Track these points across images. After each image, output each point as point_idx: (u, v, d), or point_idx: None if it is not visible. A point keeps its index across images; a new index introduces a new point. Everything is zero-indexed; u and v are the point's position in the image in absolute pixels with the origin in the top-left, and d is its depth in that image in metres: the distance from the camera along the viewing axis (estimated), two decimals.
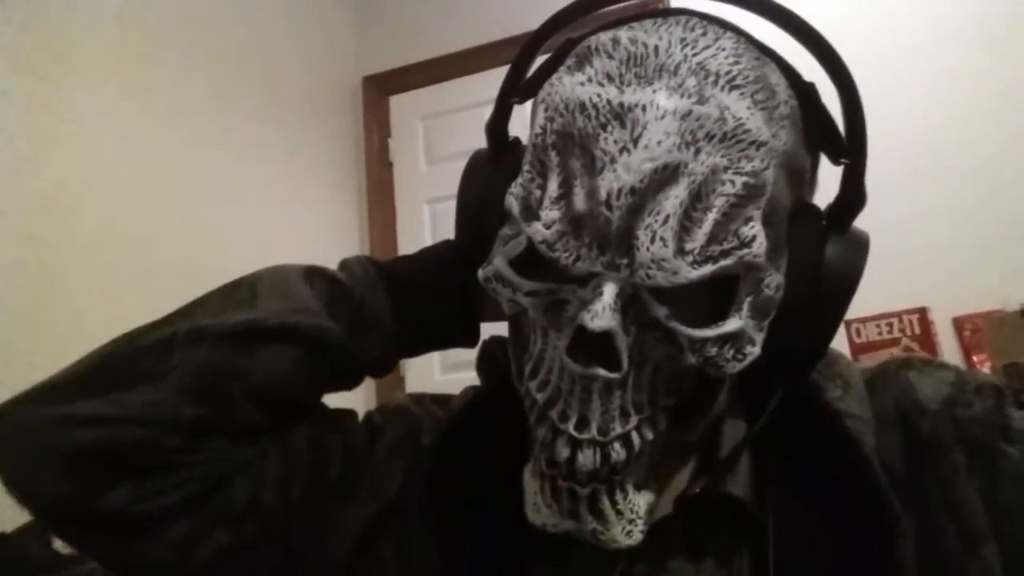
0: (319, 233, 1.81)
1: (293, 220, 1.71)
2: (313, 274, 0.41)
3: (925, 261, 1.50)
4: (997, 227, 1.47)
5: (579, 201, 0.29)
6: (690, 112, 0.28)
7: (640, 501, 0.32)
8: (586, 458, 0.30)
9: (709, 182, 0.28)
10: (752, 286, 0.31)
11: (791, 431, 0.36)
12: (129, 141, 1.26)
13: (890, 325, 1.50)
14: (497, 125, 0.39)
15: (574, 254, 0.29)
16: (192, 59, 1.45)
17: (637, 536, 0.32)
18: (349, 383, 0.43)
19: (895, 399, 0.37)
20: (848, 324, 1.53)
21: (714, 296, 0.31)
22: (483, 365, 0.45)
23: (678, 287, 0.28)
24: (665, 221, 0.28)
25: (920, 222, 1.52)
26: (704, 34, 0.31)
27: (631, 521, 0.31)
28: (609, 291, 0.28)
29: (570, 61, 0.33)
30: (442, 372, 1.84)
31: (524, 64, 0.37)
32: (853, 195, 0.34)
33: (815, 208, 0.35)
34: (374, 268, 0.42)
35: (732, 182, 0.28)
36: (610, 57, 0.31)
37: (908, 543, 0.32)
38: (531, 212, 0.31)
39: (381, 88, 2.09)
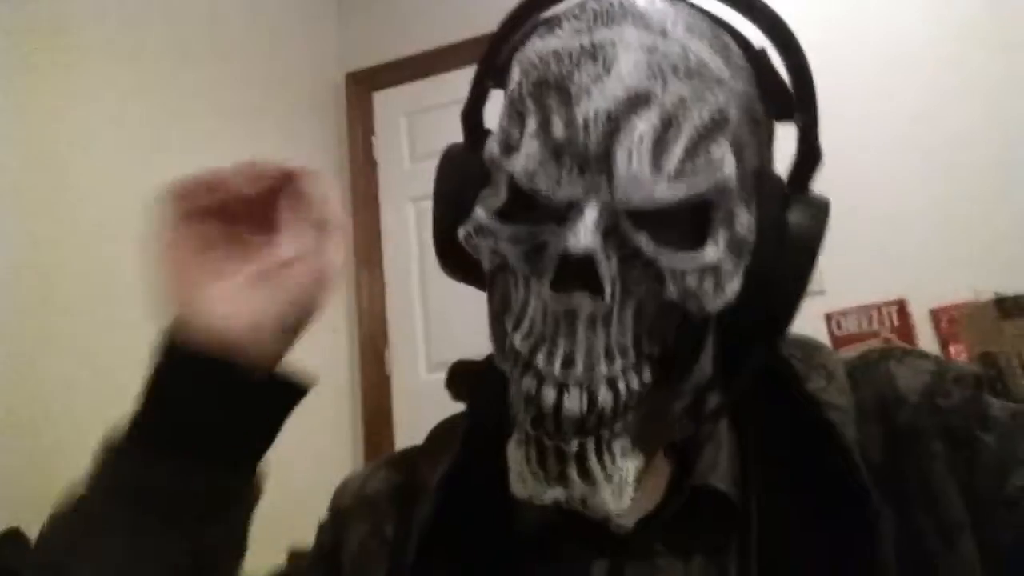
0: None
1: None
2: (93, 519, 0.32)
3: (903, 254, 1.53)
4: (973, 221, 1.50)
5: (557, 130, 0.30)
6: (656, 47, 0.30)
7: (628, 466, 0.32)
8: (572, 402, 0.30)
9: (677, 111, 0.30)
10: (726, 218, 0.32)
11: (774, 422, 0.36)
12: (129, 141, 1.25)
13: (870, 317, 1.53)
14: (473, 112, 0.39)
15: (555, 180, 0.30)
16: (175, 57, 1.43)
17: (626, 501, 0.31)
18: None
19: (876, 390, 0.37)
20: (829, 316, 1.55)
21: (690, 227, 0.31)
22: (457, 382, 0.44)
23: (656, 209, 0.30)
24: (640, 142, 0.29)
25: (899, 217, 1.55)
26: None
27: (620, 486, 0.31)
28: (590, 213, 0.29)
29: (540, 29, 0.35)
30: (428, 371, 1.84)
31: (499, 45, 0.37)
32: (809, 153, 0.35)
33: (777, 175, 0.37)
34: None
35: (698, 113, 0.30)
36: (577, 18, 0.33)
37: (888, 536, 0.32)
38: (511, 149, 0.32)
39: (364, 85, 2.08)
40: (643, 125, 0.29)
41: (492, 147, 0.33)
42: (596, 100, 0.30)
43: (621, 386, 0.31)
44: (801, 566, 0.33)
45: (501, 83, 0.37)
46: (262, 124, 1.70)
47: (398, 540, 0.39)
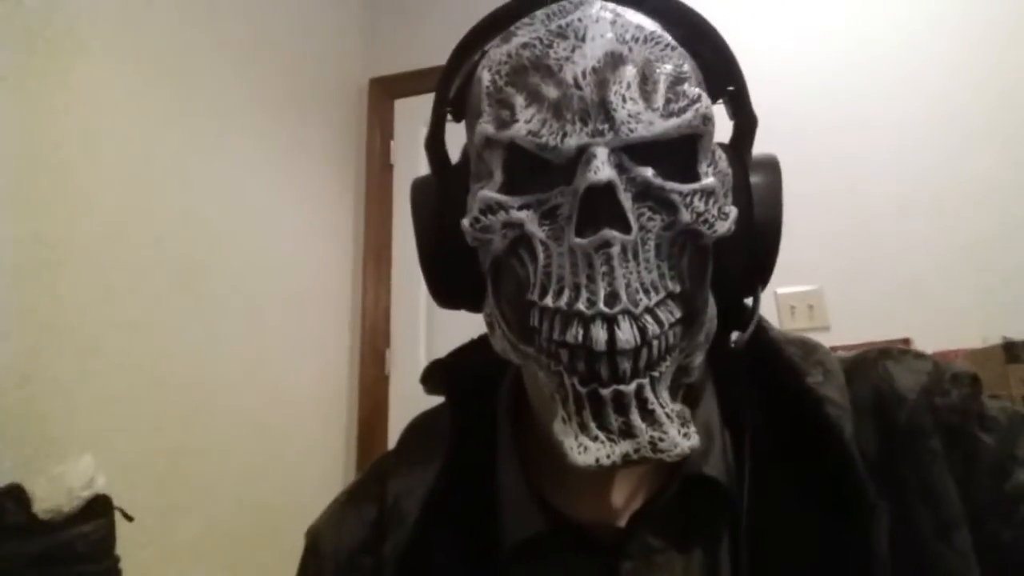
0: (315, 231, 1.82)
1: (291, 218, 1.71)
2: None
3: (911, 295, 1.53)
4: (982, 264, 1.50)
5: (551, 92, 0.32)
6: (616, 19, 0.34)
7: (681, 407, 0.32)
8: (625, 333, 0.30)
9: (648, 68, 0.33)
10: (709, 151, 0.34)
11: (769, 415, 0.36)
12: (132, 140, 1.25)
13: None
14: (434, 141, 0.41)
15: (560, 132, 0.32)
16: (198, 56, 1.45)
17: (695, 439, 0.31)
18: None
19: (873, 387, 0.37)
20: (833, 351, 1.54)
21: (683, 162, 0.33)
22: (435, 378, 0.44)
23: (655, 144, 0.32)
24: (628, 87, 0.32)
25: (908, 256, 1.55)
26: None
27: (683, 423, 0.31)
28: (601, 152, 0.31)
29: (496, 42, 0.37)
30: None
31: (451, 76, 0.39)
32: (745, 118, 0.38)
33: (724, 143, 0.39)
34: None
35: (665, 69, 0.33)
36: (531, 23, 0.35)
37: (882, 530, 0.32)
38: (506, 123, 0.33)
39: (387, 91, 2.11)
40: (627, 73, 0.32)
41: (483, 128, 0.34)
42: (580, 63, 0.32)
43: (664, 317, 0.31)
44: (795, 557, 0.33)
45: (458, 115, 0.39)
46: (286, 123, 1.72)
47: (375, 573, 0.39)
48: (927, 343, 1.48)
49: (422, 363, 1.82)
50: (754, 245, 0.36)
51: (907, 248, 1.55)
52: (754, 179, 0.37)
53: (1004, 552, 0.32)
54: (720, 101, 0.39)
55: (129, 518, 0.96)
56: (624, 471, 0.36)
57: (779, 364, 0.38)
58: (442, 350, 0.45)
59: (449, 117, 0.40)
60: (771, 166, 0.38)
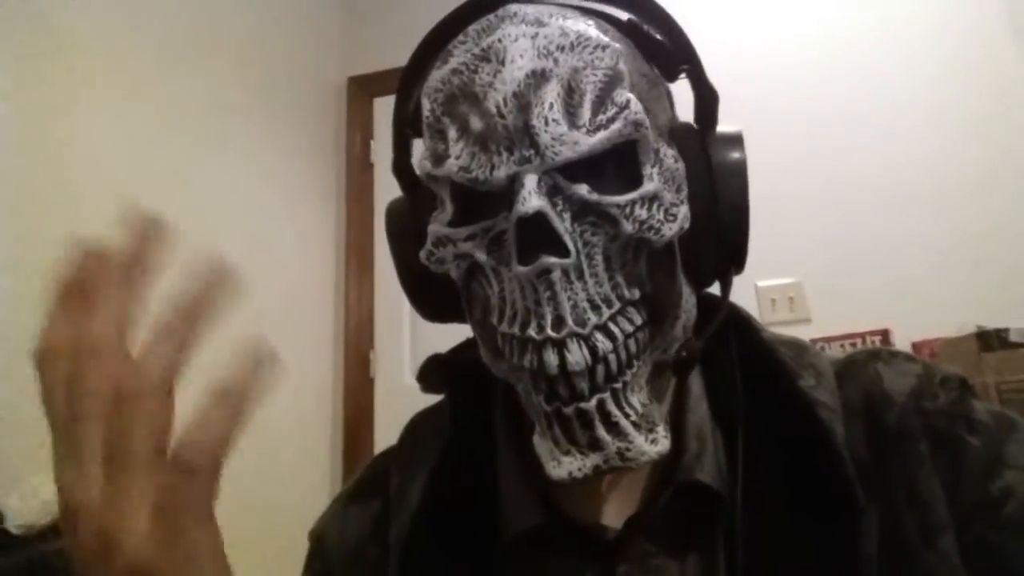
0: (296, 231, 1.79)
1: (271, 219, 1.69)
2: None
3: (890, 286, 1.56)
4: (958, 256, 1.53)
5: (476, 124, 0.32)
6: (536, 33, 0.33)
7: (652, 411, 0.32)
8: (575, 355, 0.30)
9: (574, 79, 0.32)
10: (650, 152, 0.34)
11: (762, 418, 0.36)
12: (128, 141, 1.24)
13: (854, 345, 1.55)
14: (400, 162, 0.41)
15: (488, 165, 0.32)
16: (177, 49, 1.43)
17: (663, 444, 0.31)
18: None
19: (863, 390, 0.37)
20: (813, 343, 1.57)
21: (624, 173, 0.33)
22: (429, 374, 0.44)
23: (586, 161, 0.31)
24: (551, 107, 0.31)
25: (886, 249, 1.58)
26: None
27: (650, 429, 0.31)
28: (529, 180, 0.31)
29: (436, 64, 0.37)
30: (412, 376, 1.83)
31: (405, 98, 0.40)
32: (706, 93, 0.38)
33: (687, 123, 0.39)
34: None
35: (594, 75, 0.32)
36: (463, 42, 0.35)
37: (871, 533, 0.32)
38: (441, 158, 0.33)
39: (366, 89, 2.09)
40: (549, 94, 0.31)
41: (423, 165, 0.35)
42: (500, 89, 0.32)
43: (616, 330, 0.31)
44: (787, 560, 0.33)
45: (418, 130, 0.39)
46: (262, 122, 1.70)
47: (379, 562, 0.39)
48: (905, 333, 1.51)
49: (407, 365, 1.84)
50: (722, 229, 0.36)
51: (886, 241, 1.58)
52: (717, 158, 0.37)
53: (991, 555, 0.32)
54: (680, 78, 0.39)
55: None
56: (617, 476, 0.36)
57: (771, 366, 0.38)
58: (427, 351, 0.45)
59: (410, 132, 0.41)
60: (735, 140, 0.38)
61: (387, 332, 1.88)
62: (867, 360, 0.39)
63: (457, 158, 0.32)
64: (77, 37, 1.17)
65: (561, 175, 0.32)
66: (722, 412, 0.38)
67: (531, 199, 0.30)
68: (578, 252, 0.31)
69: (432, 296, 0.40)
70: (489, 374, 0.43)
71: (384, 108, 2.08)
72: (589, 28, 0.34)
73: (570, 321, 0.30)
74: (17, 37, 1.05)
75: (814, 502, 0.33)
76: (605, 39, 0.34)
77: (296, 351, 1.71)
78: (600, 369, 0.31)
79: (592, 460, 0.31)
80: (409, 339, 1.85)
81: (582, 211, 0.32)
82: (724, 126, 0.38)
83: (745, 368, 0.39)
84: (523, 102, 0.31)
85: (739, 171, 0.37)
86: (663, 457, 0.32)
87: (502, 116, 0.31)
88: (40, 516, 0.83)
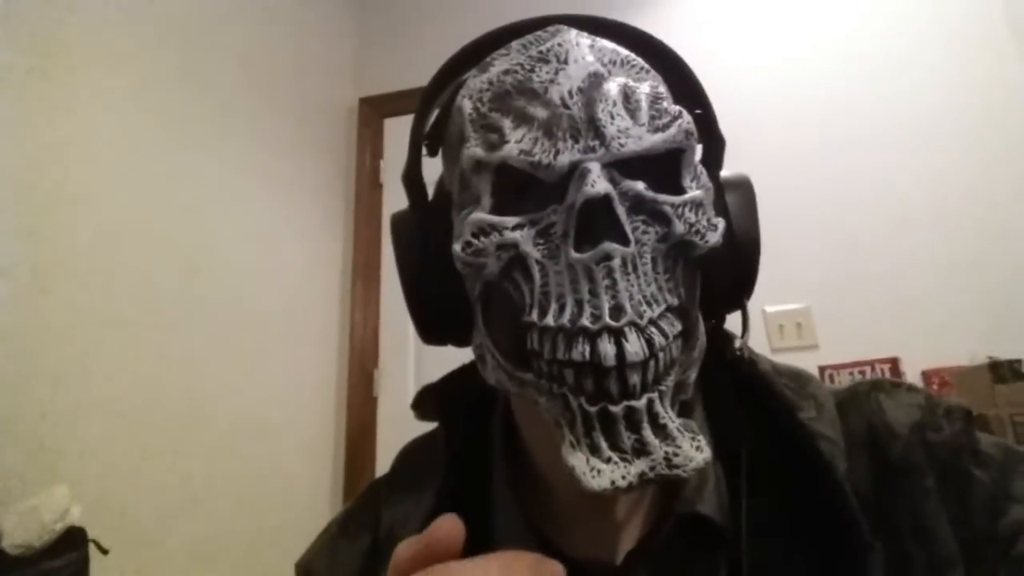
0: (304, 250, 1.80)
1: (280, 237, 1.70)
2: None
3: (899, 313, 1.54)
4: (970, 283, 1.52)
5: (539, 112, 0.32)
6: (593, 44, 0.35)
7: (686, 420, 0.30)
8: (633, 345, 0.28)
9: (628, 88, 0.33)
10: (692, 166, 0.35)
11: (763, 451, 0.36)
12: (130, 144, 1.25)
13: (863, 373, 1.53)
14: (412, 173, 0.41)
15: (552, 150, 0.32)
16: (193, 65, 1.45)
17: (707, 451, 0.29)
18: None
19: (866, 422, 0.37)
20: (822, 370, 1.55)
21: (668, 176, 0.34)
22: (427, 404, 0.43)
23: (643, 159, 0.32)
24: (614, 104, 0.32)
25: (895, 275, 1.57)
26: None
27: (693, 436, 0.29)
28: (595, 167, 0.31)
29: (474, 72, 0.37)
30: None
31: (428, 108, 0.40)
32: (714, 139, 0.40)
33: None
34: None
35: (644, 90, 0.34)
36: (505, 54, 0.36)
37: (878, 568, 0.32)
38: (496, 145, 0.33)
39: (376, 110, 2.12)
40: (612, 91, 0.32)
41: (474, 152, 0.33)
42: (564, 83, 0.33)
43: (667, 328, 0.30)
44: None
45: (433, 148, 0.40)
46: (272, 141, 1.72)
47: None
48: (915, 361, 1.49)
49: (411, 385, 1.83)
50: (736, 259, 0.37)
51: (895, 267, 1.57)
52: (729, 196, 0.38)
53: None
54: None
55: (104, 551, 0.93)
56: (620, 505, 0.35)
57: (771, 398, 0.37)
58: (431, 371, 0.44)
59: (425, 151, 0.40)
60: (744, 185, 0.40)
61: (391, 351, 1.88)
62: (869, 391, 0.39)
63: (518, 142, 0.32)
64: (81, 37, 1.18)
65: (619, 170, 0.32)
66: (722, 444, 0.37)
67: (599, 183, 0.30)
68: (635, 243, 0.31)
69: (437, 310, 0.38)
70: (484, 403, 0.42)
71: (394, 129, 2.10)
72: (633, 54, 0.36)
73: (629, 310, 0.29)
74: (17, 37, 1.06)
75: (818, 536, 0.33)
76: (648, 65, 0.36)
77: (300, 369, 1.70)
78: (652, 365, 0.29)
79: (637, 467, 0.28)
80: (413, 359, 1.84)
81: (637, 206, 0.32)
82: (728, 170, 0.41)
83: (743, 398, 0.38)
84: (587, 97, 0.32)
85: (751, 208, 0.38)
86: (661, 489, 0.31)
87: (567, 107, 0.32)
88: (38, 537, 0.82)
